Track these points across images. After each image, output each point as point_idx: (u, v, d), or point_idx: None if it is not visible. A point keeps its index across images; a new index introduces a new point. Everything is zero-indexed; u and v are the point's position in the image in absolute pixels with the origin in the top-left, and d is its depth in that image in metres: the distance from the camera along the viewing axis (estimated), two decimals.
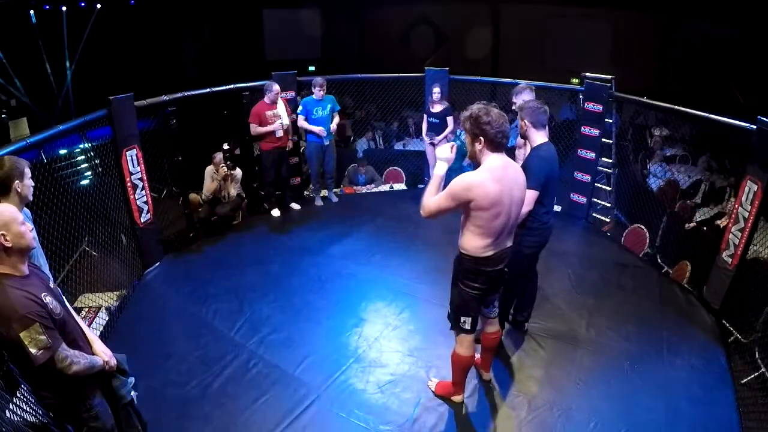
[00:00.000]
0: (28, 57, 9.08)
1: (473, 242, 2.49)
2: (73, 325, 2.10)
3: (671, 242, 4.78)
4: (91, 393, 2.12)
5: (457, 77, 6.30)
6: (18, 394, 2.50)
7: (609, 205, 5.61)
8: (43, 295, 1.92)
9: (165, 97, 4.67)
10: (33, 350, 1.83)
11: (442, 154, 2.53)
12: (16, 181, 2.25)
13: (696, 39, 8.38)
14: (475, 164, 2.49)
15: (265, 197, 5.83)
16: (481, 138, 2.39)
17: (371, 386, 3.19)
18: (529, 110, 3.10)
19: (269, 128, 5.31)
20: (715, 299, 3.96)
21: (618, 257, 4.91)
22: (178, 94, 4.80)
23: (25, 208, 2.38)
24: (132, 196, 4.34)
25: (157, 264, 4.69)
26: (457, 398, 3.03)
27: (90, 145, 4.23)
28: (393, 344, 3.59)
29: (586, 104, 5.47)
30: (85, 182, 6.10)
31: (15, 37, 8.70)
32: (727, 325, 3.78)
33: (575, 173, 5.70)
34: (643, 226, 5.08)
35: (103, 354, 2.18)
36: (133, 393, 2.36)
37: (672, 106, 4.61)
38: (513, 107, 3.81)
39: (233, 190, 5.42)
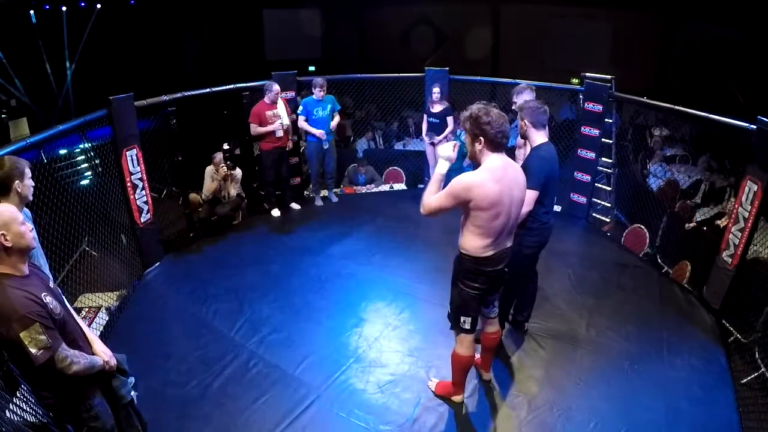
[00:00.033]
0: (28, 57, 9.08)
1: (473, 242, 2.49)
2: (73, 325, 2.10)
3: (671, 242, 4.78)
4: (91, 393, 2.12)
5: (457, 77, 6.30)
6: (18, 394, 2.50)
7: (609, 205, 5.61)
8: (43, 295, 1.92)
9: (165, 97, 4.67)
10: (33, 350, 1.83)
11: (444, 152, 2.53)
12: (17, 181, 2.25)
13: (696, 39, 8.38)
14: (475, 164, 2.49)
15: (265, 197, 5.83)
16: (481, 138, 2.39)
17: (371, 386, 3.19)
18: (529, 110, 3.10)
19: (269, 128, 5.31)
20: (715, 299, 3.96)
21: (618, 257, 4.91)
22: (178, 94, 4.80)
23: (25, 208, 2.38)
24: (132, 196, 4.34)
25: (157, 264, 4.69)
26: (457, 398, 3.03)
27: (90, 145, 4.24)
28: (393, 344, 3.59)
29: (586, 104, 5.47)
30: (85, 182, 6.10)
31: (15, 37, 8.70)
32: (727, 325, 3.78)
33: (575, 173, 5.70)
34: (643, 226, 5.08)
35: (103, 354, 2.18)
36: (133, 393, 2.36)
37: (672, 106, 4.61)
38: (513, 107, 3.81)
39: (233, 190, 5.42)
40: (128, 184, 4.29)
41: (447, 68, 6.23)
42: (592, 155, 5.52)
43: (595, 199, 5.69)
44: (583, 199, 5.70)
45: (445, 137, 5.79)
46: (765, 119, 3.60)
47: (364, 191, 6.73)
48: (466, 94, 6.37)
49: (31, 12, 8.83)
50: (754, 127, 3.71)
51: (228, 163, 5.27)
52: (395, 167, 7.17)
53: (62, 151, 5.32)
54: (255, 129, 5.31)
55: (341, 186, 6.81)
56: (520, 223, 2.82)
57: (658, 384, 3.21)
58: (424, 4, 10.83)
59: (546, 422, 2.92)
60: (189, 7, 10.19)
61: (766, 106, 4.71)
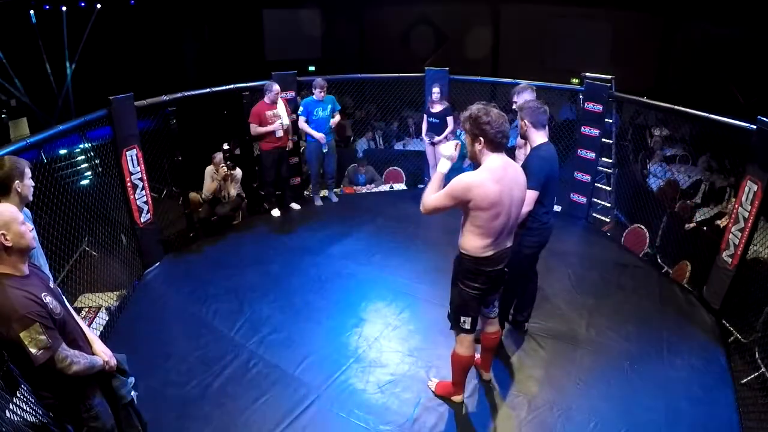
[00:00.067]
0: (28, 57, 9.08)
1: (473, 242, 2.49)
2: (73, 325, 2.10)
3: (671, 242, 4.78)
4: (91, 393, 2.12)
5: (457, 77, 6.30)
6: (18, 394, 2.50)
7: (609, 205, 5.61)
8: (43, 295, 1.92)
9: (165, 97, 4.67)
10: (33, 350, 1.83)
11: (446, 151, 2.54)
12: (17, 181, 2.25)
13: (696, 39, 8.38)
14: (476, 164, 2.49)
15: (265, 197, 5.83)
16: (481, 138, 2.39)
17: (371, 386, 3.19)
18: (529, 110, 3.10)
19: (269, 128, 5.31)
20: (715, 299, 3.96)
21: (618, 257, 4.91)
22: (178, 94, 4.80)
23: (25, 208, 2.37)
24: (132, 196, 4.34)
25: (157, 264, 4.69)
26: (457, 398, 3.03)
27: (90, 145, 4.24)
28: (393, 344, 3.59)
29: (586, 104, 5.47)
30: (85, 182, 6.10)
31: (15, 37, 8.70)
32: (727, 325, 3.77)
33: (575, 173, 5.70)
34: (643, 226, 5.08)
35: (103, 354, 2.18)
36: (133, 393, 2.36)
37: (672, 106, 4.61)
38: (513, 106, 3.80)
39: (233, 190, 5.42)
40: (128, 184, 4.29)
41: (447, 68, 6.23)
42: (592, 155, 5.53)
43: (595, 199, 5.69)
44: (583, 199, 5.70)
45: (445, 137, 5.79)
46: (765, 119, 3.60)
47: (364, 191, 6.73)
48: (466, 94, 6.38)
49: (31, 12, 8.83)
50: (754, 127, 3.71)
51: (228, 163, 5.27)
52: (395, 167, 7.17)
53: (62, 151, 5.31)
54: (255, 129, 5.31)
55: (341, 186, 6.81)
56: (520, 223, 2.82)
57: (658, 384, 3.21)
58: (424, 4, 10.83)
59: (546, 422, 2.92)
60: (189, 7, 10.19)
61: (766, 106, 4.71)
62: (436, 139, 5.83)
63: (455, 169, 2.58)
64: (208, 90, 5.20)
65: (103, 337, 3.54)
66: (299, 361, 3.40)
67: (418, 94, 6.56)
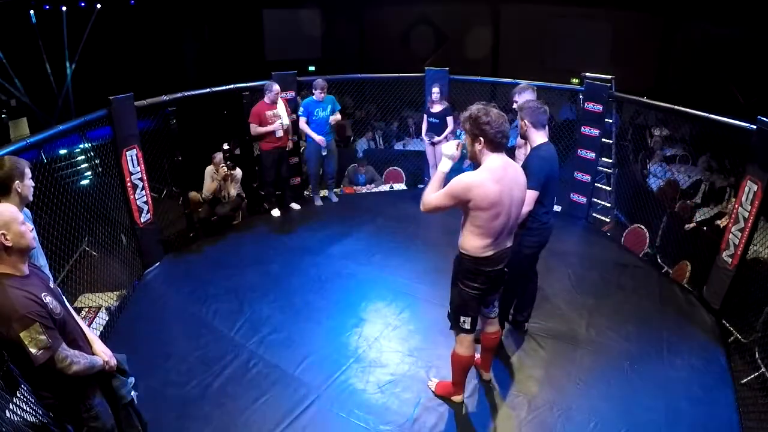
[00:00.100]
0: (28, 57, 9.08)
1: (473, 242, 2.49)
2: (73, 325, 2.10)
3: (671, 242, 4.78)
4: (91, 393, 2.12)
5: (457, 77, 6.30)
6: (18, 394, 2.50)
7: (609, 205, 5.61)
8: (43, 295, 1.92)
9: (165, 97, 4.67)
10: (33, 350, 1.83)
11: (448, 150, 2.54)
12: (17, 182, 2.25)
13: (696, 39, 8.38)
14: (476, 164, 2.49)
15: (265, 197, 5.83)
16: (481, 138, 2.39)
17: (371, 386, 3.19)
18: (528, 110, 3.10)
19: (269, 128, 5.31)
20: (715, 299, 3.96)
21: (618, 257, 4.91)
22: (178, 94, 4.80)
23: (25, 208, 2.38)
24: (132, 196, 4.34)
25: (157, 264, 4.69)
26: (457, 398, 3.03)
27: (90, 145, 4.24)
28: (393, 344, 3.59)
29: (586, 104, 5.47)
30: (85, 182, 6.10)
31: (15, 37, 8.70)
32: (727, 325, 3.77)
33: (575, 173, 5.70)
34: (643, 226, 5.08)
35: (103, 354, 2.18)
36: (133, 393, 2.36)
37: (672, 106, 4.61)
38: (514, 106, 3.80)
39: (233, 190, 5.42)
40: (128, 184, 4.29)
41: (447, 68, 6.23)
42: (592, 155, 5.53)
43: (595, 199, 5.69)
44: (583, 199, 5.70)
45: (445, 137, 5.79)
46: (765, 119, 3.60)
47: (364, 191, 6.73)
48: (466, 94, 6.38)
49: (31, 12, 8.83)
50: (754, 127, 3.71)
51: (228, 163, 5.27)
52: (395, 167, 7.17)
53: (62, 151, 5.32)
54: (255, 129, 5.31)
55: (341, 186, 6.82)
56: (520, 223, 2.82)
57: (658, 384, 3.21)
58: (424, 4, 10.83)
59: (546, 422, 2.92)
60: (189, 7, 10.19)
61: (766, 106, 4.71)
62: (436, 139, 5.84)
63: (455, 170, 2.58)
64: (208, 90, 5.20)
65: (103, 337, 3.54)
66: (299, 361, 3.40)
67: (418, 94, 6.56)
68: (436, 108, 5.82)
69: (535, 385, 3.21)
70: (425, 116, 5.96)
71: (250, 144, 5.74)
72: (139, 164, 4.37)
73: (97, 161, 4.69)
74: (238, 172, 5.45)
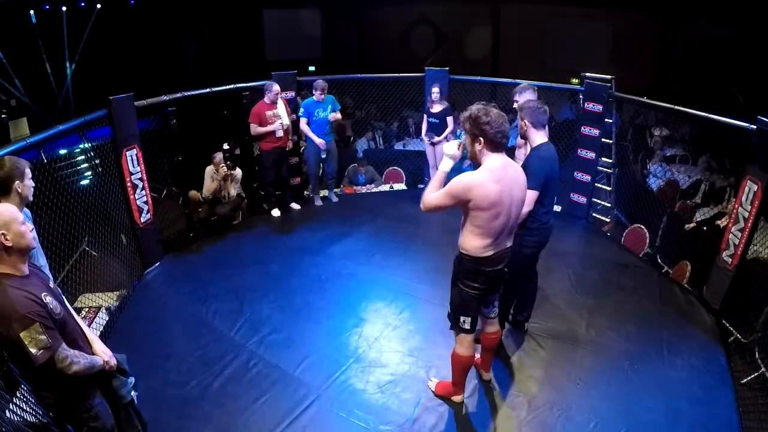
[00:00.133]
0: (28, 57, 9.08)
1: (473, 242, 2.49)
2: (73, 325, 2.10)
3: (671, 242, 4.78)
4: (91, 393, 2.12)
5: (457, 77, 6.30)
6: (18, 394, 2.50)
7: (609, 205, 5.61)
8: (43, 295, 1.92)
9: (165, 97, 4.67)
10: (33, 350, 1.83)
11: (449, 150, 2.54)
12: (17, 182, 2.25)
13: (696, 39, 8.38)
14: (476, 165, 2.49)
15: (265, 197, 5.83)
16: (481, 138, 2.39)
17: (371, 386, 3.19)
18: (528, 110, 3.10)
19: (269, 128, 5.31)
20: (715, 299, 3.96)
21: (618, 257, 4.91)
22: (178, 94, 4.80)
23: (25, 208, 2.38)
24: (132, 196, 4.34)
25: (157, 264, 4.69)
26: (457, 398, 3.03)
27: (90, 145, 4.23)
28: (393, 344, 3.59)
29: (586, 104, 5.47)
30: (85, 182, 6.10)
31: (15, 37, 8.70)
32: (727, 325, 3.78)
33: (575, 173, 5.70)
34: (643, 226, 5.08)
35: (103, 354, 2.18)
36: (133, 393, 2.36)
37: (672, 106, 4.61)
38: (514, 106, 3.80)
39: (233, 190, 5.42)
40: (128, 184, 4.29)
41: (447, 68, 6.24)
42: (592, 155, 5.53)
43: (595, 199, 5.69)
44: (583, 199, 5.70)
45: (445, 137, 5.79)
46: (765, 119, 3.60)
47: (364, 191, 6.73)
48: (466, 94, 6.38)
49: (31, 12, 8.83)
50: (754, 127, 3.71)
51: (228, 163, 5.27)
52: (395, 167, 7.17)
53: (62, 151, 5.32)
54: (255, 129, 5.31)
55: (341, 186, 6.82)
56: (520, 223, 2.82)
57: (658, 384, 3.21)
58: (424, 4, 10.83)
59: (546, 422, 2.92)
60: (189, 7, 10.19)
61: (766, 106, 4.71)
62: (436, 139, 5.84)
63: (455, 170, 2.58)
64: (208, 90, 5.20)
65: (103, 337, 3.54)
66: (299, 361, 3.40)
67: (418, 94, 6.56)
68: (436, 108, 5.82)
69: (535, 385, 3.21)
70: (425, 116, 5.96)
71: (250, 144, 5.74)
72: (139, 164, 4.37)
73: (97, 161, 4.69)
74: (238, 172, 5.45)
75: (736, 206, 3.84)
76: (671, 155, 6.91)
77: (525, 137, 3.21)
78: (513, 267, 2.81)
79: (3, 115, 8.68)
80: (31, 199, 2.37)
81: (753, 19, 7.18)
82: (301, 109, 5.64)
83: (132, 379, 2.36)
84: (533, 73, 6.06)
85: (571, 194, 5.78)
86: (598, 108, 5.35)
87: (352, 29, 11.60)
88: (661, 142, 7.41)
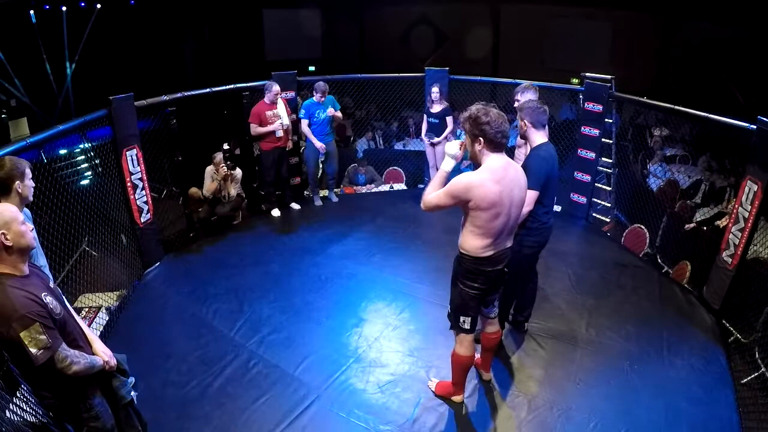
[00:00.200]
0: (28, 57, 9.07)
1: (473, 242, 2.49)
2: (73, 325, 2.10)
3: (671, 242, 4.78)
4: (91, 393, 2.12)
5: (457, 77, 6.30)
6: (18, 394, 2.50)
7: (609, 205, 5.61)
8: (43, 295, 1.92)
9: (165, 97, 4.67)
10: (33, 350, 1.83)
11: (451, 150, 2.54)
12: (17, 182, 2.26)
13: (696, 39, 8.38)
14: (476, 165, 2.49)
15: (265, 197, 5.84)
16: (481, 138, 2.39)
17: (371, 386, 3.20)
18: (528, 110, 3.10)
19: (269, 128, 5.31)
20: (715, 299, 3.96)
21: (618, 257, 4.90)
22: (178, 94, 4.80)
23: (26, 208, 2.38)
24: (132, 196, 4.34)
25: (157, 264, 4.69)
26: (457, 398, 3.04)
27: (90, 145, 4.23)
28: (393, 344, 3.59)
29: (586, 104, 5.47)
30: (85, 182, 6.10)
31: (15, 37, 8.69)
32: (727, 325, 3.78)
33: (575, 173, 5.70)
34: (643, 226, 5.08)
35: (103, 354, 2.18)
36: (133, 393, 2.36)
37: (672, 106, 4.61)
38: (515, 105, 3.79)
39: (233, 190, 5.42)
40: (128, 184, 4.29)
41: (447, 68, 6.23)
42: (592, 155, 5.53)
43: (595, 199, 5.69)
44: (583, 199, 5.70)
45: (445, 138, 5.79)
46: (765, 119, 3.60)
47: (364, 191, 6.73)
48: (466, 94, 6.38)
49: (31, 12, 8.82)
50: (754, 127, 3.71)
51: (228, 163, 5.27)
52: (395, 167, 7.17)
53: (62, 151, 5.32)
54: (255, 129, 5.31)
55: (341, 186, 6.82)
56: (520, 223, 2.82)
57: (658, 384, 3.21)
58: (424, 4, 10.83)
59: (546, 422, 2.92)
60: (189, 7, 10.18)
61: (766, 106, 4.72)
62: (436, 140, 5.84)
63: (454, 170, 2.58)
64: (208, 90, 5.20)
65: (103, 337, 3.54)
66: (299, 361, 3.40)
67: (418, 94, 6.56)
68: (436, 108, 5.82)
69: (535, 385, 3.21)
70: (425, 116, 5.96)
71: (250, 144, 5.74)
72: (139, 164, 4.37)
73: (97, 161, 4.69)
74: (238, 172, 5.45)
75: (736, 206, 3.84)
76: (671, 155, 6.91)
77: (525, 137, 3.20)
78: (513, 267, 2.81)
79: (3, 115, 8.68)
80: (31, 199, 2.37)
81: (753, 19, 7.17)
82: (302, 111, 5.64)
83: (132, 379, 2.36)
84: (533, 73, 6.06)
85: (571, 194, 5.78)
86: (598, 108, 5.35)
87: (352, 29, 11.59)
88: (661, 142, 7.40)
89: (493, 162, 2.41)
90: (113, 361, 2.22)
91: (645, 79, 8.61)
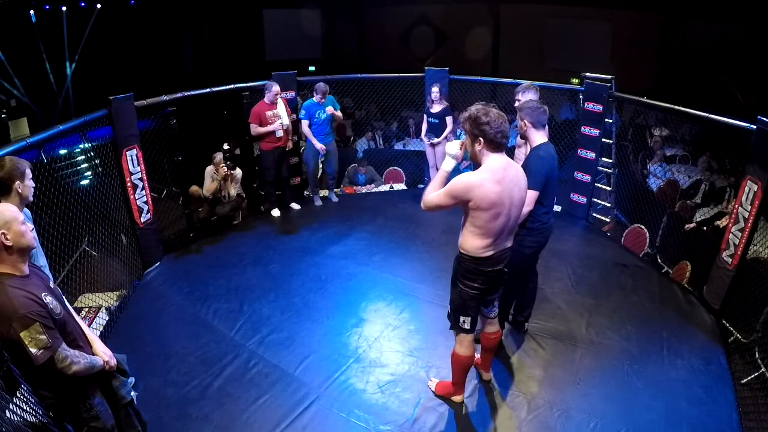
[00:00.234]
0: (28, 57, 9.08)
1: (473, 242, 2.49)
2: (73, 325, 2.11)
3: (671, 242, 4.78)
4: (91, 393, 2.12)
5: (457, 77, 6.30)
6: (18, 394, 2.49)
7: (609, 205, 5.61)
8: (43, 295, 1.92)
9: (165, 97, 4.67)
10: (33, 350, 1.83)
11: (452, 149, 2.54)
12: (17, 182, 2.26)
13: (696, 39, 8.38)
14: (476, 165, 2.49)
15: (265, 197, 5.84)
16: (481, 138, 2.39)
17: (371, 386, 3.20)
18: (528, 110, 3.10)
19: (269, 128, 5.31)
20: (715, 299, 3.96)
21: (618, 257, 4.90)
22: (178, 94, 4.80)
23: (26, 208, 2.38)
24: (132, 196, 4.34)
25: (157, 264, 4.69)
26: (457, 398, 3.04)
27: (90, 145, 4.23)
28: (393, 344, 3.59)
29: (586, 104, 5.47)
30: (85, 182, 6.10)
31: (15, 37, 8.70)
32: (727, 325, 3.78)
33: (575, 173, 5.70)
34: (643, 226, 5.08)
35: (103, 354, 2.18)
36: (133, 393, 2.36)
37: (672, 106, 4.61)
38: (516, 105, 3.79)
39: (233, 190, 5.42)
40: (128, 184, 4.29)
41: (447, 68, 6.23)
42: (592, 155, 5.52)
43: (595, 199, 5.69)
44: (583, 199, 5.70)
45: (445, 138, 5.79)
46: (765, 119, 3.60)
47: (364, 191, 6.73)
48: (466, 94, 6.37)
49: (31, 12, 8.83)
50: (754, 127, 3.71)
51: (228, 163, 5.27)
52: (395, 167, 7.17)
53: (62, 151, 5.31)
54: (255, 129, 5.31)
55: (341, 186, 6.82)
56: (520, 223, 2.82)
57: (658, 384, 3.21)
58: (424, 4, 10.83)
59: (546, 422, 2.92)
60: (189, 7, 10.19)
61: (766, 106, 4.71)
62: (435, 140, 5.84)
63: (454, 170, 2.58)
64: (208, 90, 5.20)
65: (103, 337, 3.54)
66: (299, 361, 3.40)
67: (418, 94, 6.56)
68: (436, 108, 5.82)
69: (535, 385, 3.21)
70: (425, 116, 5.96)
71: (250, 144, 5.74)
72: (139, 164, 4.38)
73: (97, 161, 4.69)
74: (238, 172, 5.45)
75: (736, 206, 3.83)
76: (671, 155, 6.91)
77: (525, 137, 3.20)
78: (513, 267, 2.81)
79: (3, 115, 8.68)
80: (31, 199, 2.37)
81: (753, 19, 7.17)
82: (302, 111, 5.65)
83: (132, 379, 2.36)
84: (533, 73, 6.07)
85: (571, 194, 5.78)
86: (598, 108, 5.35)
87: (352, 29, 11.60)
88: (661, 142, 7.40)
89: (493, 162, 2.41)
90: (113, 361, 2.22)
91: (645, 78, 8.60)
